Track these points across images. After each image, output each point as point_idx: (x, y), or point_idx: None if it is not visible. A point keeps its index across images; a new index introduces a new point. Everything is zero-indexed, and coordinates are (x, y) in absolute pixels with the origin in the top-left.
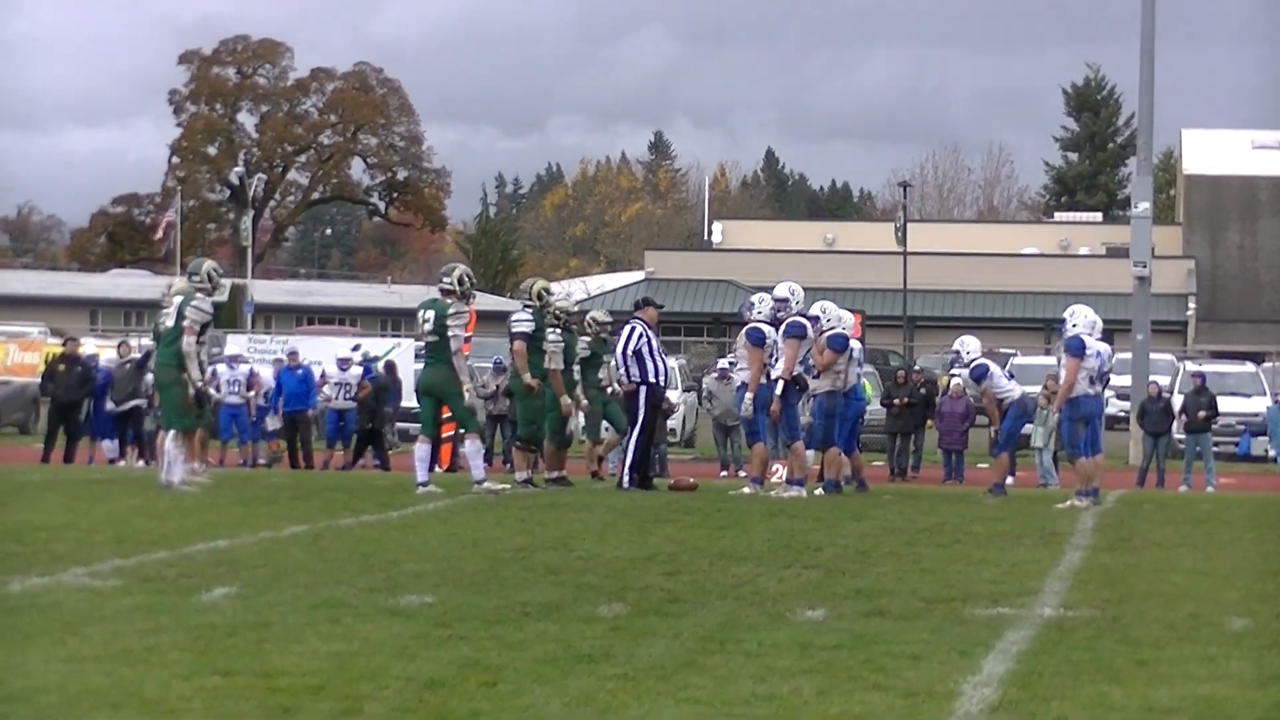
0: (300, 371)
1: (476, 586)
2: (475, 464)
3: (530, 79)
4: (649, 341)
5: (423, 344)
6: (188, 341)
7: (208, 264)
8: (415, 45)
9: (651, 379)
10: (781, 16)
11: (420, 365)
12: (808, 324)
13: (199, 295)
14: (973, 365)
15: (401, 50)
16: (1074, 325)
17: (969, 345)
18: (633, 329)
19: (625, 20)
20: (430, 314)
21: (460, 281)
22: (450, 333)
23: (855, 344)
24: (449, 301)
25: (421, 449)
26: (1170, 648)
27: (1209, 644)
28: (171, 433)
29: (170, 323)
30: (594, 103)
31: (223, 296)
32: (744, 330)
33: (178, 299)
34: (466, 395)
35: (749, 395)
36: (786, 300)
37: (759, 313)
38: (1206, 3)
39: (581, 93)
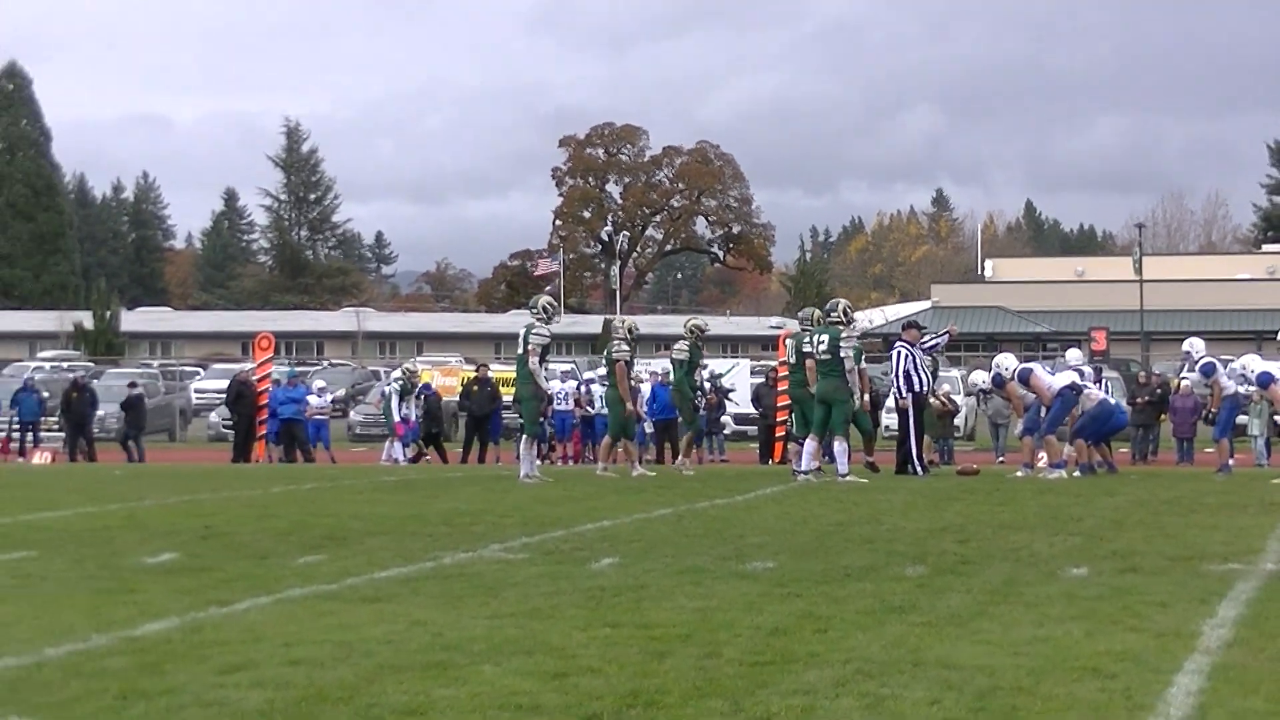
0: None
1: (807, 554)
2: (841, 461)
3: (825, 148)
4: (913, 359)
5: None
6: (532, 362)
7: (544, 299)
8: (737, 123)
9: (916, 389)
10: (1025, 90)
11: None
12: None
13: (538, 324)
14: (1201, 362)
15: (729, 128)
16: None
17: (1196, 346)
18: (899, 352)
19: (899, 98)
20: (825, 338)
21: (844, 311)
22: (842, 352)
23: (1089, 369)
24: (840, 329)
25: (810, 445)
26: None
27: None
28: (525, 437)
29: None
30: (875, 166)
31: (558, 325)
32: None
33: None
34: (854, 404)
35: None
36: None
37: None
38: None
39: (865, 158)
